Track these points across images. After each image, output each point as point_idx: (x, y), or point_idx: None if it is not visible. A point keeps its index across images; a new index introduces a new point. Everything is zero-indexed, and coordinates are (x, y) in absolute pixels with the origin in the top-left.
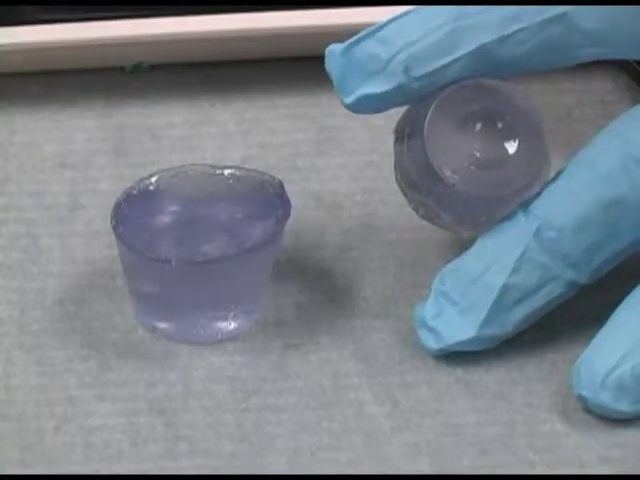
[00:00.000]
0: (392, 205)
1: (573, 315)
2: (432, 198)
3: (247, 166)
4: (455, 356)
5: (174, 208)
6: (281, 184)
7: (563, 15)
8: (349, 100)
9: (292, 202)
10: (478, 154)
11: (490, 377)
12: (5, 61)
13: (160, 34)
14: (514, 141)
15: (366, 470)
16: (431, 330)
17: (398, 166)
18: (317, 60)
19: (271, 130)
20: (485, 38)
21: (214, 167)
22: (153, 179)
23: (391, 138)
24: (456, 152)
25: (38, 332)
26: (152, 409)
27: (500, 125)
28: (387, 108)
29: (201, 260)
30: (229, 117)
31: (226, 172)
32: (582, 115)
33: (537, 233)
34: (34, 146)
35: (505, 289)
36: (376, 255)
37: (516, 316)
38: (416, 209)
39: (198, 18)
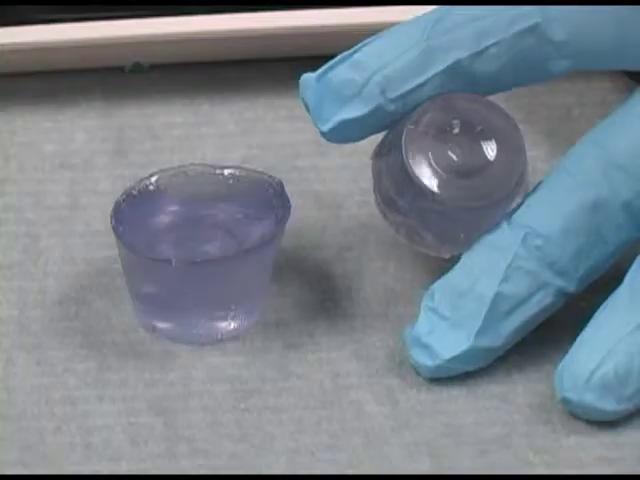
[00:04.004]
0: None
1: (573, 315)
2: (413, 215)
3: (247, 166)
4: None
5: (174, 208)
6: (281, 184)
7: (534, 27)
8: (326, 127)
9: (292, 202)
10: (457, 162)
11: (490, 377)
12: (5, 61)
13: (160, 34)
14: (492, 150)
15: (366, 470)
16: (425, 347)
17: (377, 186)
18: (317, 60)
19: (271, 130)
20: (458, 55)
21: (214, 167)
22: (153, 179)
23: None
24: (435, 162)
25: (38, 332)
26: (152, 409)
27: (478, 134)
28: (365, 134)
29: (201, 260)
30: (229, 117)
31: (226, 172)
32: (582, 115)
33: (524, 241)
34: (34, 146)
35: (497, 298)
36: (376, 255)
37: (509, 326)
38: (397, 230)
39: (198, 18)
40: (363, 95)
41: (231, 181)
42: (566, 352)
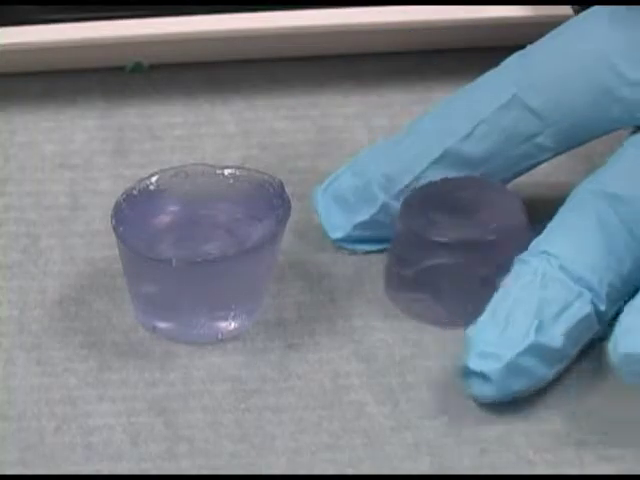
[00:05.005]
0: None
1: None
2: (422, 283)
3: (247, 166)
4: (455, 355)
5: (174, 208)
6: (281, 184)
7: (513, 97)
8: (340, 234)
9: (292, 202)
10: (454, 208)
11: None
12: (5, 61)
13: (160, 34)
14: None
15: (366, 470)
16: (485, 355)
17: (386, 270)
18: (317, 60)
19: (271, 130)
20: (448, 142)
21: (214, 167)
22: (153, 179)
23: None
24: (433, 218)
25: (38, 332)
26: (152, 409)
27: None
28: (377, 235)
29: (201, 260)
30: (229, 117)
31: (226, 172)
32: None
33: (548, 262)
34: (34, 146)
35: (541, 303)
36: (376, 255)
37: (561, 328)
38: (408, 308)
39: (198, 18)
40: (368, 198)
41: (231, 181)
42: None
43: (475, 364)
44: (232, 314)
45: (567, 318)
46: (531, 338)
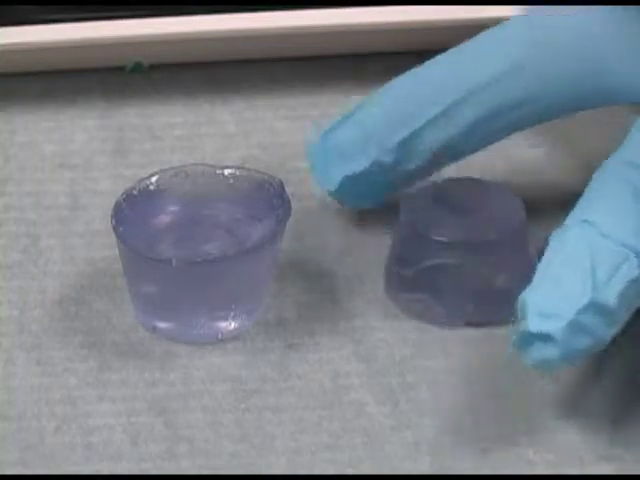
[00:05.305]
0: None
1: None
2: (422, 283)
3: (247, 166)
4: (455, 355)
5: (174, 208)
6: (281, 184)
7: (515, 64)
8: (332, 186)
9: (292, 203)
10: (454, 208)
11: (490, 376)
12: (5, 61)
13: (160, 34)
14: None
15: (366, 470)
16: (546, 316)
17: (386, 270)
18: (317, 60)
19: (271, 130)
20: (449, 99)
21: (214, 167)
22: (153, 179)
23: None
24: (435, 217)
25: (38, 332)
26: (152, 409)
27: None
28: (370, 190)
29: (201, 260)
30: (229, 117)
31: (226, 172)
32: (582, 115)
33: (590, 229)
34: (34, 146)
35: (594, 265)
36: (376, 256)
37: (616, 287)
38: (408, 308)
39: (198, 18)
40: (363, 151)
41: (231, 181)
42: None
43: (536, 325)
44: (232, 314)
45: (619, 280)
46: (589, 296)
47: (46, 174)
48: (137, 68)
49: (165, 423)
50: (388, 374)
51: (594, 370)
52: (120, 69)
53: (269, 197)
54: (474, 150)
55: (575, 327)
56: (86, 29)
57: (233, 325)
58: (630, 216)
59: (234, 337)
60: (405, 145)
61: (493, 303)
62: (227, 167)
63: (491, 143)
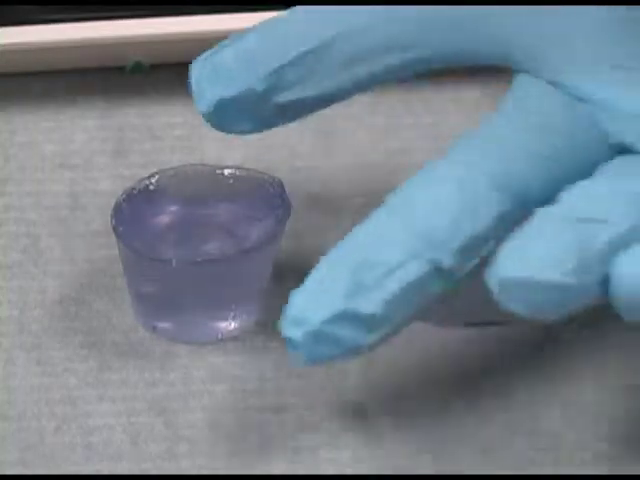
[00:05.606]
0: None
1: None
2: None
3: (247, 166)
4: (455, 355)
5: (174, 208)
6: (281, 184)
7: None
8: (205, 108)
9: (292, 203)
10: None
11: (490, 376)
12: (5, 61)
13: (160, 34)
14: None
15: (366, 470)
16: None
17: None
18: None
19: (271, 130)
20: (320, 37)
21: (214, 167)
22: (153, 179)
23: (391, 138)
24: None
25: (38, 332)
26: (152, 409)
27: None
28: (245, 117)
29: (201, 260)
30: None
31: (226, 172)
32: None
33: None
34: (34, 146)
35: (365, 264)
36: None
37: (385, 290)
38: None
39: (198, 18)
40: (237, 75)
41: (231, 181)
42: (564, 352)
43: (286, 330)
44: (232, 314)
45: (392, 282)
46: (340, 304)
47: (46, 174)
48: (137, 68)
49: (165, 423)
50: (388, 374)
51: (594, 370)
52: (120, 69)
53: (269, 197)
54: (345, 95)
55: (320, 336)
56: (86, 29)
57: (233, 325)
58: (445, 206)
59: (234, 337)
60: (276, 75)
61: (493, 303)
62: (227, 167)
63: (364, 89)
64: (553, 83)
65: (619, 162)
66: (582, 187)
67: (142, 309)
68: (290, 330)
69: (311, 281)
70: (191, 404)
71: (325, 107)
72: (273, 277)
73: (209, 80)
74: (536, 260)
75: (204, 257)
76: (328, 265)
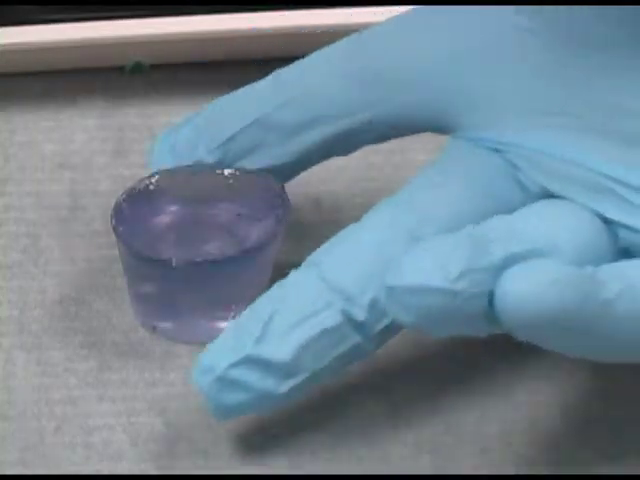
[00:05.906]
0: None
1: None
2: None
3: (247, 166)
4: (455, 355)
5: (174, 208)
6: (281, 184)
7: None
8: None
9: (292, 203)
10: None
11: (490, 375)
12: (5, 61)
13: (160, 34)
14: None
15: (366, 470)
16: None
17: None
18: None
19: None
20: (268, 106)
21: (214, 167)
22: (153, 179)
23: (391, 139)
24: None
25: (38, 332)
26: (152, 409)
27: None
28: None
29: (201, 260)
30: None
31: (226, 172)
32: None
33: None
34: (34, 146)
35: (278, 310)
36: None
37: (299, 337)
38: None
39: (198, 18)
40: (192, 151)
41: (231, 181)
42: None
43: (194, 377)
44: (232, 314)
45: (306, 329)
46: (245, 350)
47: (46, 174)
48: (137, 68)
49: (165, 423)
50: (388, 374)
51: (593, 370)
52: (120, 69)
53: (269, 197)
54: (295, 163)
55: (225, 381)
56: (86, 29)
57: None
58: (361, 260)
59: None
60: (225, 147)
61: None
62: (227, 167)
63: (312, 160)
64: (476, 139)
65: (536, 203)
66: (490, 219)
67: (142, 309)
68: (199, 378)
69: (225, 332)
70: (191, 404)
71: (288, 179)
72: (273, 277)
73: (166, 157)
74: (422, 268)
75: (204, 257)
76: (245, 317)
